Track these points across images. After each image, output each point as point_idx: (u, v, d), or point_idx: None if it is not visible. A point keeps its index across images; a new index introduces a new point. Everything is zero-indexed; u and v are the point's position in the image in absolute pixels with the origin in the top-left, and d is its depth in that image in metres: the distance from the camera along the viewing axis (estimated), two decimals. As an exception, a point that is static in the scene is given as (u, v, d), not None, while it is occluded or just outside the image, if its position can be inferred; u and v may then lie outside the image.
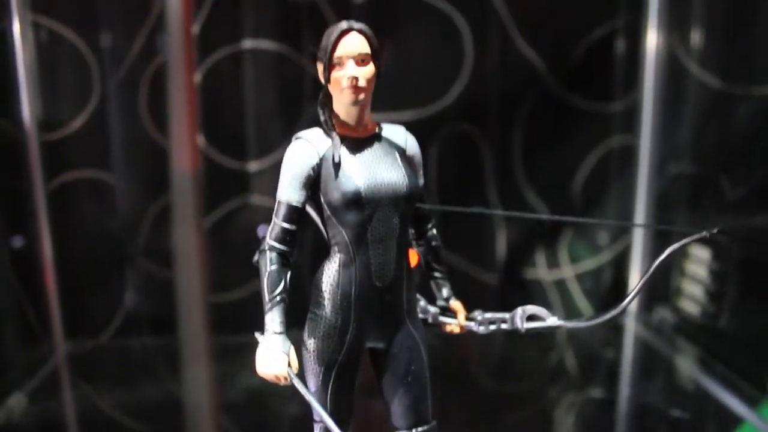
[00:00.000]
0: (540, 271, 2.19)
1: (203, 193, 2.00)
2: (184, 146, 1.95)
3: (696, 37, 1.93)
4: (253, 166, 2.02)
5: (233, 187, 2.04)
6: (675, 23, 2.00)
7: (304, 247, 1.92)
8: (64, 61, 1.92)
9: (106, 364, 1.98)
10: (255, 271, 0.92)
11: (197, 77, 1.95)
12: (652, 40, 2.04)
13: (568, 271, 2.20)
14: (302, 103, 1.98)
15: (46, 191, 1.95)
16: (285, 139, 1.89)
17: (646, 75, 2.06)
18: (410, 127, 0.99)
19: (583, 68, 2.05)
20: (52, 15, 1.89)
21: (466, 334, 1.05)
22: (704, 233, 0.88)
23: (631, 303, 0.92)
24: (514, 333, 1.01)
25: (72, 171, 1.98)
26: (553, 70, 2.04)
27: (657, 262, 0.89)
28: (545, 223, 2.17)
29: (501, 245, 2.16)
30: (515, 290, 2.19)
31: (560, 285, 2.20)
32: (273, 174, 1.93)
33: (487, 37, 2.02)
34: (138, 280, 2.06)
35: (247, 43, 1.97)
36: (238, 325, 1.77)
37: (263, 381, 0.91)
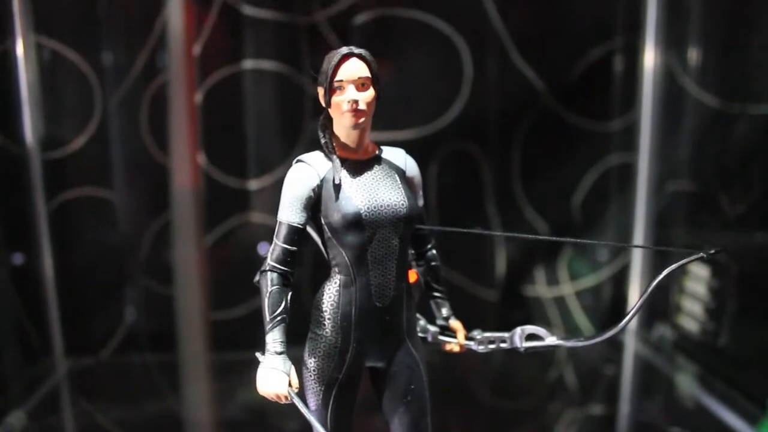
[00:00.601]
0: (539, 288, 2.20)
1: (204, 211, 2.01)
2: (185, 164, 1.96)
3: (693, 57, 1.95)
4: (253, 184, 2.03)
5: (234, 205, 2.04)
6: (672, 43, 2.01)
7: (305, 266, 1.93)
8: (67, 81, 1.93)
9: (106, 381, 1.97)
10: (255, 290, 0.92)
11: (198, 96, 1.96)
12: (650, 59, 2.05)
13: (567, 288, 2.20)
14: (302, 122, 1.99)
15: (47, 209, 1.96)
16: (285, 158, 1.92)
17: (644, 94, 2.07)
18: (410, 145, 1.00)
19: (582, 87, 2.06)
20: (54, 35, 1.90)
21: (466, 352, 1.05)
22: (701, 254, 0.89)
23: (630, 322, 0.92)
24: (513, 350, 1.01)
25: (73, 189, 1.98)
26: (552, 89, 2.05)
27: (654, 283, 0.89)
28: (545, 241, 2.18)
29: (501, 262, 2.16)
30: (515, 307, 2.19)
31: (560, 302, 2.21)
32: (273, 192, 1.95)
33: (486, 56, 2.03)
34: (138, 297, 2.07)
35: (248, 63, 1.98)
36: (239, 342, 1.78)
37: (263, 399, 0.91)
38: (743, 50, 1.80)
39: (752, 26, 1.78)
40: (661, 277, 0.88)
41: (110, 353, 2.06)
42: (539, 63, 2.04)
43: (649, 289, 0.89)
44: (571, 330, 2.20)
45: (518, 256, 2.17)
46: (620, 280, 2.19)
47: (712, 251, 0.89)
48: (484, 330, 1.04)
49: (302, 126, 1.99)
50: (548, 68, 2.05)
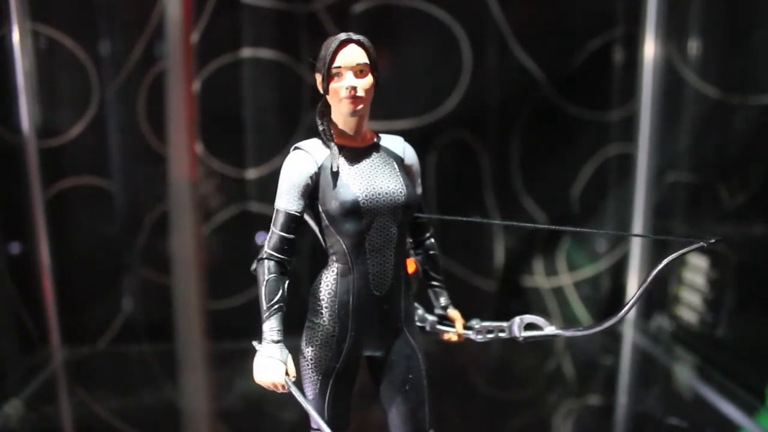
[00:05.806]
0: (538, 278, 2.20)
1: (201, 200, 2.00)
2: (183, 154, 1.95)
3: (693, 47, 1.94)
4: (251, 173, 2.02)
5: (231, 195, 2.04)
6: (673, 33, 2.00)
7: (303, 256, 1.92)
8: (63, 69, 1.92)
9: (103, 371, 1.97)
10: (253, 279, 0.92)
11: (196, 85, 1.95)
12: (650, 49, 2.05)
13: (566, 279, 2.20)
14: (300, 111, 1.99)
15: (44, 198, 1.95)
16: (283, 147, 1.91)
17: (643, 84, 2.07)
18: (409, 134, 1.00)
19: (581, 77, 2.05)
20: (51, 23, 1.89)
21: (464, 341, 1.05)
22: (701, 243, 0.88)
23: (629, 312, 0.92)
24: (511, 340, 1.01)
25: (70, 178, 1.97)
26: (552, 79, 2.05)
27: (654, 272, 0.89)
28: (543, 231, 2.17)
29: (499, 253, 2.16)
30: (513, 297, 2.19)
31: (558, 292, 2.21)
32: (271, 182, 1.94)
33: (485, 46, 2.02)
34: (136, 287, 2.06)
35: (246, 52, 1.97)
36: (236, 332, 1.78)
37: (261, 388, 0.91)
38: (744, 41, 1.79)
39: (753, 17, 1.77)
40: (661, 266, 0.88)
41: (107, 343, 2.06)
42: (539, 53, 2.04)
43: (649, 279, 0.89)
44: (569, 320, 2.20)
45: (517, 246, 2.17)
46: (619, 271, 2.19)
47: (712, 240, 0.88)
48: (482, 320, 1.03)
49: (300, 115, 1.99)
50: (548, 58, 2.04)
